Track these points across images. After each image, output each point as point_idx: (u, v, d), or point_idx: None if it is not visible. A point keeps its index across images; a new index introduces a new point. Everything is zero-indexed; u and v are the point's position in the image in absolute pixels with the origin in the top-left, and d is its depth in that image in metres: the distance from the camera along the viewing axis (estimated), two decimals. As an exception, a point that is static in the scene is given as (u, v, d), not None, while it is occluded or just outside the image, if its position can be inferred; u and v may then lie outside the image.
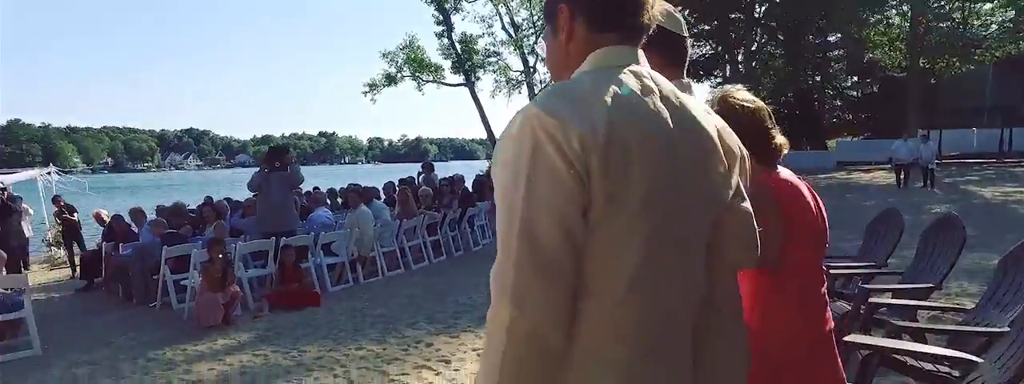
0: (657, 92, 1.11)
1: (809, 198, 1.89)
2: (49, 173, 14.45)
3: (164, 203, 10.40)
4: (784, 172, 1.90)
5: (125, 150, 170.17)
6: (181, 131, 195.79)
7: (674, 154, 1.07)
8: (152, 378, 4.67)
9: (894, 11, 24.03)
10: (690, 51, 1.68)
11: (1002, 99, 26.04)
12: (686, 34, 1.62)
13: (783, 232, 1.76)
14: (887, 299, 3.59)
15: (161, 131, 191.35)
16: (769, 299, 1.82)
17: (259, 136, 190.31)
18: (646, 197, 1.02)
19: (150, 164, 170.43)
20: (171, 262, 7.07)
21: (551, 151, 0.98)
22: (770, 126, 1.87)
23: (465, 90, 30.69)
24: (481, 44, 30.76)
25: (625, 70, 1.11)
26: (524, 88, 31.06)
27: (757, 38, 23.46)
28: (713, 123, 1.21)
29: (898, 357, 2.85)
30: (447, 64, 30.90)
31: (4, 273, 6.08)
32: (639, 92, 1.08)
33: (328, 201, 10.17)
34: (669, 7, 1.47)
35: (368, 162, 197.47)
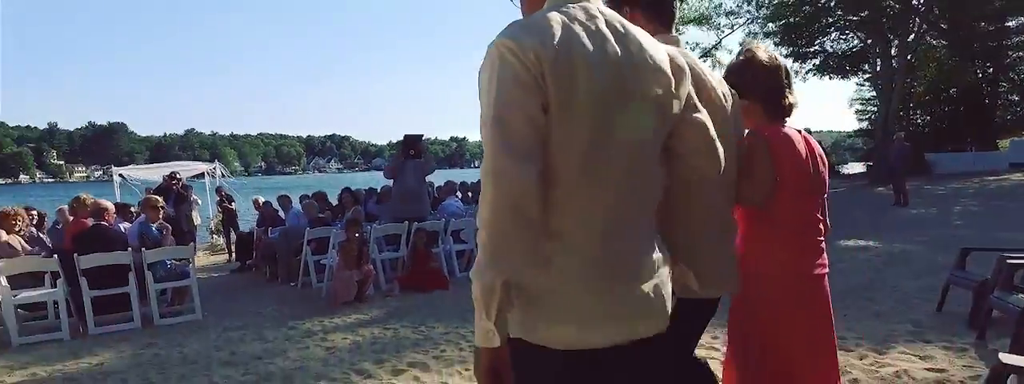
0: (603, 20, 1.34)
1: (803, 148, 2.07)
2: (215, 169, 15.95)
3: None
4: (786, 127, 2.10)
5: (276, 155, 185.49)
6: (324, 137, 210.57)
7: (615, 68, 1.29)
8: (292, 343, 4.93)
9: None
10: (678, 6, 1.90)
11: None
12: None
13: (773, 176, 1.99)
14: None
15: (307, 137, 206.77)
16: (762, 239, 2.05)
17: (395, 141, 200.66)
18: (589, 102, 1.25)
19: (297, 167, 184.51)
20: (313, 244, 7.49)
21: (513, 61, 1.21)
22: (786, 85, 2.08)
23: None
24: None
25: (576, 6, 1.34)
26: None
27: (915, 28, 21.25)
28: (662, 48, 1.43)
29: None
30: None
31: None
32: (584, 20, 1.31)
33: (458, 193, 10.37)
34: None
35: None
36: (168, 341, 5.22)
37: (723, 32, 28.75)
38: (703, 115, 1.50)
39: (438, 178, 10.86)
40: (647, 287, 1.36)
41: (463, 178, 11.89)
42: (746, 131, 2.03)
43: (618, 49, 1.31)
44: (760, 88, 2.05)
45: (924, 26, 21.51)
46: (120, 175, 14.12)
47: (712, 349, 4.05)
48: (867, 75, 25.01)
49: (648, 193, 1.41)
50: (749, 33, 27.31)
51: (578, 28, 1.28)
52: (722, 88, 1.83)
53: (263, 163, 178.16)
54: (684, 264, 1.62)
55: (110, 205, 6.44)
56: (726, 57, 29.37)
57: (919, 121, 26.61)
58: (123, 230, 6.54)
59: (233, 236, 11.88)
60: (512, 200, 1.18)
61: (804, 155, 2.07)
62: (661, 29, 1.74)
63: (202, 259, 11.93)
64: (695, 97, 1.50)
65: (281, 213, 9.58)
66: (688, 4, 28.59)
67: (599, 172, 1.29)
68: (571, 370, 1.32)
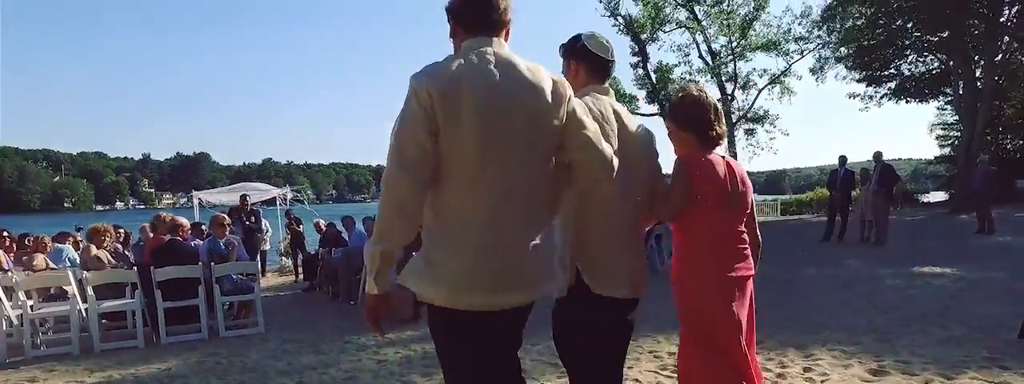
0: (492, 59, 1.79)
1: (722, 171, 2.42)
2: (285, 193, 16.63)
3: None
4: (712, 154, 2.45)
5: (347, 183, 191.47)
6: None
7: (495, 91, 1.74)
8: (346, 355, 5.05)
9: None
10: (614, 67, 2.33)
11: None
12: (611, 58, 2.29)
13: (692, 194, 2.37)
14: None
15: (377, 165, 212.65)
16: (686, 248, 2.46)
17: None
18: (472, 122, 1.69)
19: (366, 195, 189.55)
20: (373, 262, 7.67)
21: (412, 100, 1.71)
22: (712, 118, 2.45)
23: (656, 126, 29.99)
24: (677, 73, 30.15)
25: (476, 50, 1.80)
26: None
27: (1002, 46, 20.08)
28: (545, 74, 1.85)
29: None
30: (642, 94, 30.65)
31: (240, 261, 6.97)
32: (476, 61, 1.77)
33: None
34: (599, 37, 2.27)
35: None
36: (231, 351, 5.45)
37: (792, 58, 28.17)
38: (589, 130, 1.89)
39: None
40: (516, 269, 1.78)
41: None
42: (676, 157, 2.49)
43: (498, 77, 1.76)
44: (692, 121, 2.46)
45: (1014, 44, 20.36)
46: (198, 199, 14.93)
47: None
48: (949, 98, 23.81)
49: (532, 194, 1.81)
50: (819, 59, 26.65)
51: (468, 66, 1.76)
52: (634, 124, 2.26)
53: (334, 191, 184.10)
54: (578, 263, 2.06)
55: (185, 222, 6.84)
56: (796, 84, 28.68)
57: (1008, 146, 24.99)
58: (195, 247, 6.90)
59: (300, 257, 12.31)
60: (396, 199, 1.71)
61: (723, 177, 2.42)
62: (595, 81, 2.27)
63: (271, 279, 12.41)
64: (583, 113, 1.90)
65: (345, 234, 9.88)
66: (756, 31, 28.21)
67: (482, 173, 1.73)
68: (453, 323, 1.80)
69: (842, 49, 22.99)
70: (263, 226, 12.77)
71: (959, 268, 7.89)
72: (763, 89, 28.88)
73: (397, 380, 4.28)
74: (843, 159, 12.18)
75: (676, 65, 29.87)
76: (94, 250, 6.99)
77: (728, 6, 27.99)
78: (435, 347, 1.91)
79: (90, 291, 5.97)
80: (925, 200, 25.57)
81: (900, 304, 5.91)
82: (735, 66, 28.59)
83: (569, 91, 1.89)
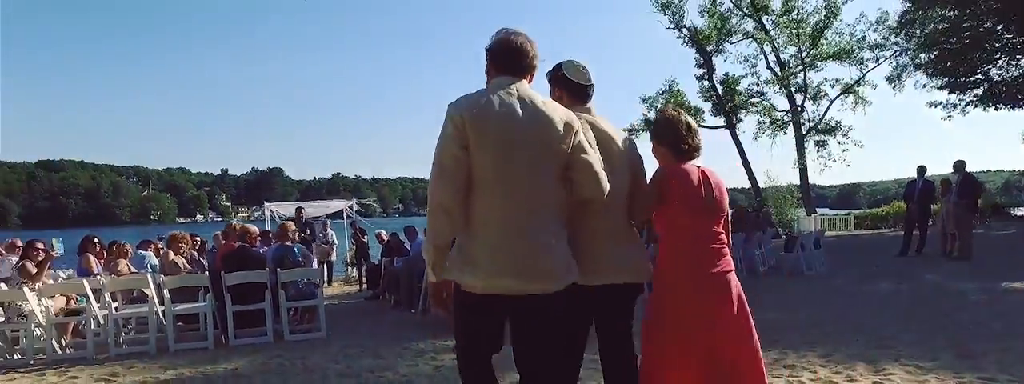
0: (516, 95, 2.22)
1: (696, 179, 2.68)
2: (351, 206, 17.10)
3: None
4: (687, 165, 2.73)
5: (413, 197, 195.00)
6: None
7: (517, 123, 2.16)
8: (404, 360, 5.12)
9: None
10: (592, 90, 2.71)
11: None
12: (589, 83, 2.67)
13: (670, 199, 2.64)
14: None
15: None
16: (668, 248, 2.70)
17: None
18: (495, 143, 2.13)
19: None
20: (433, 271, 7.77)
21: (448, 123, 2.15)
22: (684, 133, 2.74)
23: (723, 136, 29.47)
24: (743, 84, 29.42)
25: (505, 87, 2.23)
26: (790, 128, 28.76)
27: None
28: (561, 111, 2.28)
29: None
30: (707, 107, 30.06)
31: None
32: (503, 95, 2.20)
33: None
34: (579, 63, 2.66)
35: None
36: (293, 353, 5.61)
37: (867, 66, 27.02)
38: (590, 157, 2.30)
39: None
40: (530, 262, 2.16)
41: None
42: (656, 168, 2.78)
43: (520, 112, 2.18)
44: (666, 137, 2.78)
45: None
46: (270, 210, 15.55)
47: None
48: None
49: (541, 201, 2.21)
50: (897, 66, 25.49)
51: (496, 100, 2.18)
52: (620, 138, 2.67)
53: (400, 205, 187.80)
54: (588, 258, 2.41)
55: (255, 229, 7.13)
56: (871, 94, 27.47)
57: (1115, 155, 23.12)
58: (263, 253, 7.16)
59: (364, 267, 12.59)
60: (440, 201, 2.13)
61: (698, 183, 2.69)
62: (577, 103, 2.62)
63: (336, 288, 12.74)
64: (586, 143, 2.31)
65: (407, 244, 10.06)
66: (827, 40, 27.27)
67: (503, 184, 2.16)
68: (482, 306, 2.20)
69: (922, 55, 21.88)
70: (329, 238, 13.15)
71: (1053, 284, 7.35)
72: (835, 99, 27.81)
73: (452, 384, 4.30)
74: (922, 169, 11.56)
75: (743, 76, 29.16)
76: (172, 256, 7.37)
77: (798, 15, 27.21)
78: (459, 323, 2.32)
79: (167, 294, 6.28)
80: (1017, 214, 23.91)
81: (985, 320, 5.54)
82: (805, 76, 27.71)
83: (577, 124, 2.31)
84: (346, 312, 8.82)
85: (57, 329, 6.20)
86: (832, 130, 27.66)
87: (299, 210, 12.56)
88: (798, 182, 27.64)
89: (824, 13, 26.76)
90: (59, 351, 6.04)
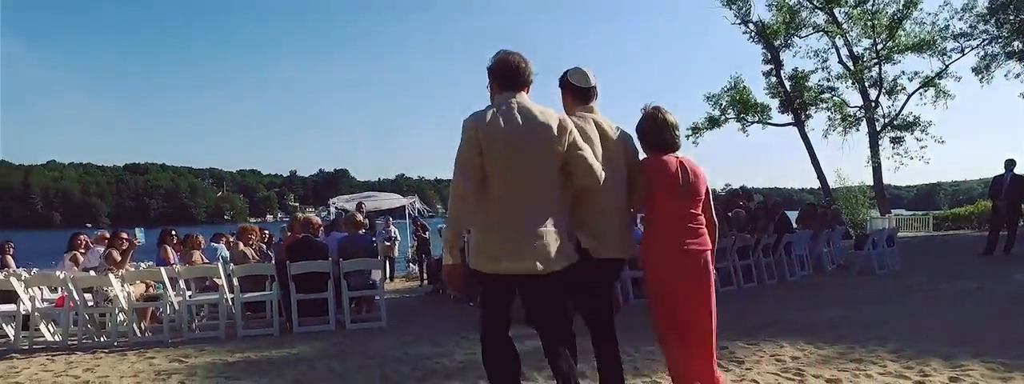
0: (516, 108, 2.67)
1: (674, 168, 3.08)
2: (414, 203, 17.40)
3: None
4: (665, 156, 3.12)
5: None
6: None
7: (519, 131, 2.62)
8: (461, 348, 5.17)
9: None
10: (595, 92, 3.11)
11: None
12: (589, 85, 3.07)
13: (650, 186, 3.06)
14: None
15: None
16: (652, 228, 3.13)
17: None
18: (501, 152, 2.59)
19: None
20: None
21: (466, 135, 2.62)
22: (663, 130, 3.14)
23: (791, 133, 28.45)
24: (813, 80, 28.28)
25: (506, 101, 2.69)
26: (863, 125, 27.48)
27: None
28: (554, 116, 2.71)
29: None
30: (774, 103, 29.05)
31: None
32: (504, 109, 2.66)
33: (639, 222, 10.23)
34: (581, 70, 3.07)
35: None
36: (354, 341, 5.75)
37: (950, 57, 25.52)
38: (585, 152, 2.74)
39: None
40: (534, 245, 2.61)
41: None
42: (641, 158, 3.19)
43: (521, 123, 2.64)
44: (648, 134, 3.17)
45: None
46: (334, 206, 16.01)
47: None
48: None
49: (539, 199, 2.67)
50: (985, 56, 24.02)
51: (500, 115, 2.64)
52: (614, 134, 3.04)
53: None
54: (588, 235, 2.88)
55: (317, 220, 7.34)
56: (953, 86, 25.93)
57: None
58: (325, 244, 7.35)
59: (425, 262, 12.78)
60: (461, 195, 2.64)
61: (675, 171, 3.08)
62: (581, 104, 3.06)
63: (398, 284, 12.97)
64: (580, 141, 2.74)
65: (466, 239, 10.14)
66: (905, 31, 25.91)
67: (510, 182, 2.63)
68: (495, 284, 2.70)
69: (1016, 43, 20.44)
70: (391, 234, 13.43)
71: None
72: (913, 94, 26.37)
73: (507, 372, 4.30)
74: (1011, 163, 10.81)
75: (812, 71, 28.00)
76: (242, 246, 7.67)
77: (873, 6, 25.92)
78: (480, 296, 2.91)
79: (236, 282, 6.54)
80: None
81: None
82: (880, 70, 26.41)
83: (570, 125, 2.74)
84: (406, 305, 8.98)
85: (137, 313, 6.55)
86: (909, 126, 26.20)
87: (360, 205, 12.86)
88: (871, 182, 26.37)
89: (902, 2, 25.41)
90: (139, 334, 6.39)
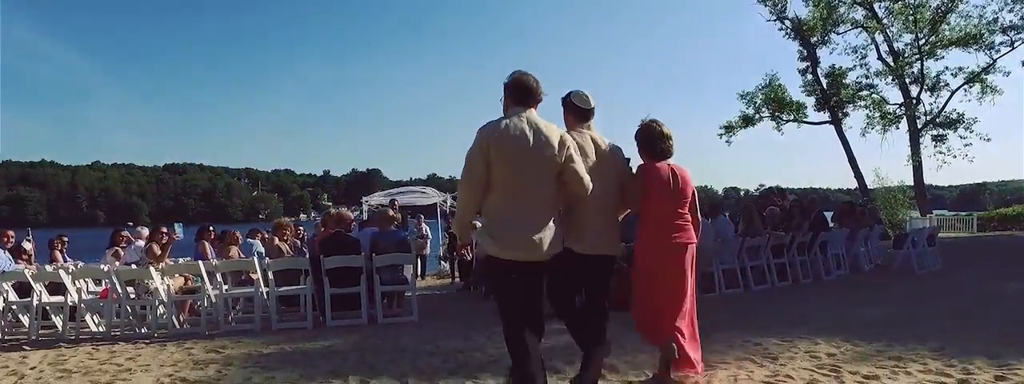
0: (525, 121, 3.09)
1: (665, 174, 3.61)
2: (446, 200, 17.49)
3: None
4: (659, 163, 3.65)
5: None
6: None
7: (525, 143, 3.04)
8: (491, 342, 5.18)
9: None
10: (593, 112, 3.55)
11: None
12: (589, 107, 3.53)
13: (644, 190, 3.57)
14: None
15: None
16: (644, 225, 3.66)
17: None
18: (509, 159, 3.03)
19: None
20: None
21: (476, 145, 3.06)
22: (658, 140, 3.65)
23: (827, 132, 27.83)
24: (851, 77, 27.62)
25: (516, 115, 3.12)
26: (903, 123, 26.73)
27: None
28: (556, 132, 3.15)
29: None
30: (810, 101, 28.45)
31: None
32: (516, 122, 3.09)
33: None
34: (582, 93, 3.53)
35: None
36: (386, 334, 5.81)
37: (999, 51, 24.64)
38: (577, 165, 3.19)
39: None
40: (533, 237, 3.07)
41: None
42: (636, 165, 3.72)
43: (528, 135, 3.06)
44: (644, 143, 3.70)
45: None
46: (367, 203, 16.17)
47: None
48: None
49: (537, 200, 3.12)
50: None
51: (510, 126, 3.07)
52: (607, 148, 3.50)
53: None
54: (577, 234, 3.33)
55: (349, 215, 7.44)
56: (1002, 82, 25.04)
57: None
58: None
59: (457, 260, 12.83)
60: (468, 195, 3.13)
61: (666, 177, 3.61)
62: (580, 121, 3.52)
63: (429, 281, 13.05)
64: (575, 155, 3.19)
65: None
66: (950, 24, 25.13)
67: (511, 188, 3.07)
68: (505, 269, 3.14)
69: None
70: (423, 232, 13.53)
71: None
72: (957, 90, 25.54)
73: (537, 365, 4.30)
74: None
75: (850, 68, 27.36)
76: (276, 241, 7.81)
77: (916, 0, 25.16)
78: (489, 280, 3.55)
79: (271, 276, 6.67)
80: None
81: None
82: (922, 65, 25.67)
83: (569, 141, 3.20)
84: (438, 301, 9.05)
85: (176, 306, 6.72)
86: (953, 123, 25.38)
87: (392, 202, 12.96)
88: (911, 181, 25.63)
89: (948, -5, 24.56)
90: (177, 326, 6.55)
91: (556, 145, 3.10)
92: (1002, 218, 22.74)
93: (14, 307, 6.82)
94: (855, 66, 27.25)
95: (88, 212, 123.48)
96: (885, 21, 25.83)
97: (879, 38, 26.44)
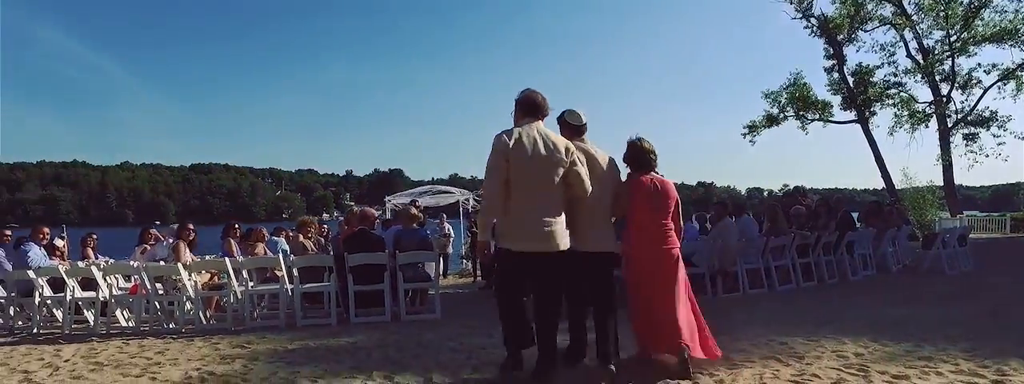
0: (536, 131, 3.71)
1: (649, 186, 4.04)
2: (468, 199, 17.53)
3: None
4: (645, 176, 4.09)
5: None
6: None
7: (536, 151, 3.63)
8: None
9: None
10: (586, 128, 4.12)
11: None
12: (581, 123, 4.09)
13: (631, 198, 4.03)
14: None
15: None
16: (630, 231, 4.09)
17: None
18: (522, 163, 3.60)
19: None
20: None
21: (496, 149, 3.63)
22: (642, 156, 4.12)
23: (853, 131, 27.37)
24: (879, 75, 27.13)
25: (527, 125, 3.73)
26: (932, 122, 26.19)
27: None
28: (562, 141, 3.77)
29: None
30: (836, 100, 28.01)
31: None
32: (527, 131, 3.68)
33: (695, 220, 10.06)
34: (575, 111, 4.09)
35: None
36: (409, 331, 5.84)
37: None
38: (581, 169, 3.74)
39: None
40: (543, 231, 3.60)
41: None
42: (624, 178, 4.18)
43: (538, 143, 3.62)
44: (632, 159, 4.16)
45: None
46: (391, 202, 16.29)
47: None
48: None
49: (547, 199, 3.65)
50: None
51: (523, 134, 3.62)
52: (603, 158, 4.07)
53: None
54: (581, 235, 3.82)
55: (373, 213, 7.49)
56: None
57: None
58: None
59: (479, 259, 12.85)
60: (492, 192, 3.64)
61: (650, 189, 4.04)
62: (575, 136, 4.02)
63: (452, 280, 13.10)
64: (578, 161, 3.73)
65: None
66: (984, 20, 24.56)
67: (525, 188, 3.60)
68: (517, 260, 3.65)
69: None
70: (446, 231, 13.58)
71: None
72: (990, 87, 24.91)
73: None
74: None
75: (878, 66, 26.88)
76: (301, 238, 7.90)
77: (947, -5, 24.57)
78: (498, 271, 3.95)
79: (296, 273, 6.74)
80: None
81: None
82: (953, 63, 25.14)
83: (573, 148, 3.76)
84: (460, 299, 9.08)
85: (203, 302, 6.83)
86: (985, 122, 24.78)
87: (414, 201, 13.01)
88: (940, 182, 25.09)
89: (981, -11, 23.97)
90: (204, 322, 6.65)
91: (563, 151, 3.67)
92: (1037, 219, 22.21)
93: (49, 302, 6.98)
94: (883, 64, 26.79)
95: (117, 211, 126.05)
96: (915, 17, 25.33)
97: (908, 35, 25.97)
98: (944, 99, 25.47)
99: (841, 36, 26.85)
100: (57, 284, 6.89)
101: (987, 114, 24.90)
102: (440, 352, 4.83)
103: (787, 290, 7.94)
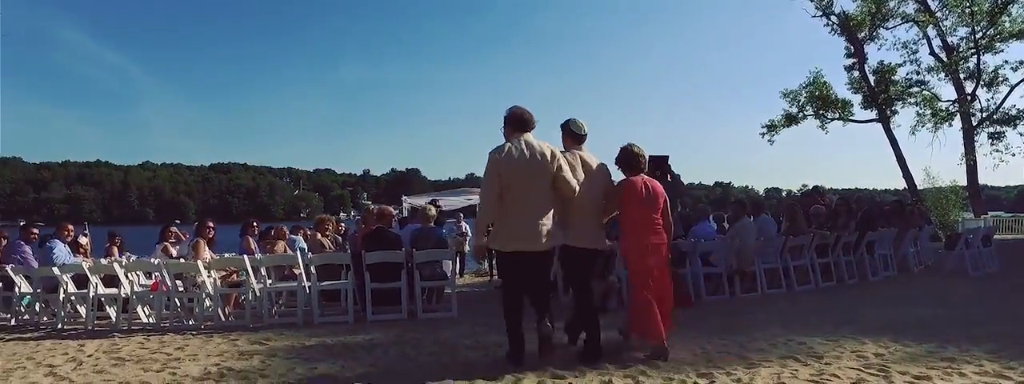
0: (524, 144, 4.21)
1: (640, 186, 4.53)
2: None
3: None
4: (636, 177, 4.57)
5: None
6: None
7: (525, 160, 4.16)
8: (530, 337, 5.13)
9: None
10: (585, 137, 4.62)
11: None
12: (583, 133, 4.60)
13: (624, 199, 4.52)
14: None
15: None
16: (624, 231, 4.59)
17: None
18: (514, 173, 4.14)
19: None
20: (560, 258, 7.80)
21: (490, 164, 4.18)
22: (633, 160, 4.61)
23: (874, 131, 26.94)
24: (901, 73, 26.63)
25: (517, 139, 4.25)
26: (956, 121, 25.70)
27: None
28: (548, 148, 4.27)
29: None
30: (857, 99, 27.57)
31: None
32: (517, 145, 4.20)
33: (712, 219, 9.97)
34: (577, 121, 4.62)
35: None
36: (426, 329, 5.87)
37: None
38: (567, 174, 4.23)
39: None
40: (534, 232, 4.16)
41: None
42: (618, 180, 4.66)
43: (527, 154, 4.15)
44: (624, 163, 4.64)
45: None
46: (408, 202, 16.37)
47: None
48: None
49: (537, 203, 4.19)
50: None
51: (513, 149, 4.16)
52: (595, 162, 4.54)
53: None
54: (575, 234, 4.37)
55: (390, 210, 7.52)
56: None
57: None
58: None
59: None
60: (488, 199, 4.21)
61: (640, 189, 4.51)
62: (575, 144, 4.56)
63: (468, 279, 13.12)
64: (565, 166, 4.24)
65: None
66: (1012, 15, 24.01)
67: (520, 192, 4.14)
68: (511, 259, 4.31)
69: None
70: (463, 230, 13.59)
71: None
72: (1018, 85, 24.36)
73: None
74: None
75: (900, 64, 26.38)
76: (318, 236, 7.95)
77: (973, -9, 24.09)
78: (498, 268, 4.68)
79: (313, 270, 6.79)
80: None
81: None
82: (978, 60, 24.64)
83: (559, 154, 4.25)
84: (476, 297, 9.07)
85: (222, 299, 6.90)
86: (1012, 120, 24.21)
87: (433, 202, 13.05)
88: (964, 182, 24.63)
89: (1010, -16, 23.46)
90: (223, 318, 6.73)
91: (549, 157, 4.16)
92: (1065, 219, 21.76)
93: (73, 298, 7.10)
94: (905, 62, 26.29)
95: (139, 209, 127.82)
96: (938, 14, 24.88)
97: (931, 32, 25.46)
98: (969, 97, 24.98)
99: (862, 34, 26.44)
100: (81, 281, 7.00)
101: (1014, 112, 24.37)
102: (456, 349, 4.85)
103: (806, 290, 7.86)
